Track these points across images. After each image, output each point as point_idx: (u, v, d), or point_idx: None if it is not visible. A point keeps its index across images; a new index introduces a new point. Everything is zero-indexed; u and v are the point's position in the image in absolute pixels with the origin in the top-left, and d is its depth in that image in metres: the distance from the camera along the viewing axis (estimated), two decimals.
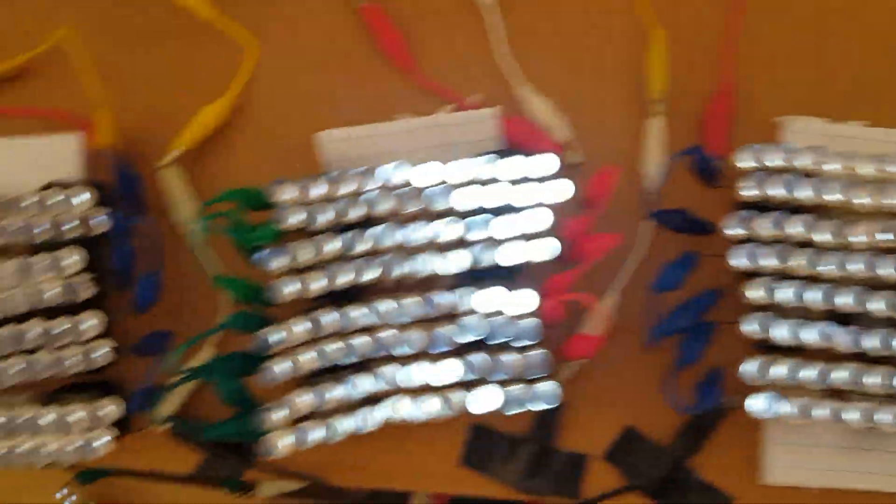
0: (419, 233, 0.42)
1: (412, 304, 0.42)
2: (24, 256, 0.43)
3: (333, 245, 0.42)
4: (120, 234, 0.43)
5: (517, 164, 0.43)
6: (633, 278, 0.45)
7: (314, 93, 0.51)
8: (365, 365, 0.42)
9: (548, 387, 0.40)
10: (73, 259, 0.42)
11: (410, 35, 0.50)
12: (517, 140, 0.47)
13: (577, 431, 0.44)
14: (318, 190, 0.43)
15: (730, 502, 0.43)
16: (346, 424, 0.41)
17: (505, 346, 0.42)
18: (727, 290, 0.43)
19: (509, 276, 0.43)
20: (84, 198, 0.43)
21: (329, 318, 0.42)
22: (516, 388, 0.40)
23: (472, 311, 0.42)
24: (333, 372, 0.43)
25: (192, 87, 0.50)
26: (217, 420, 0.42)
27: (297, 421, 0.41)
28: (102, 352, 0.42)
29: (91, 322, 0.42)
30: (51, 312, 0.42)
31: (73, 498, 0.50)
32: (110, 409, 0.42)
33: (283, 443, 0.40)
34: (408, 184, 0.43)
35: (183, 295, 0.46)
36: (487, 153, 0.45)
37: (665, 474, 0.43)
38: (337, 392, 0.41)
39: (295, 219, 0.43)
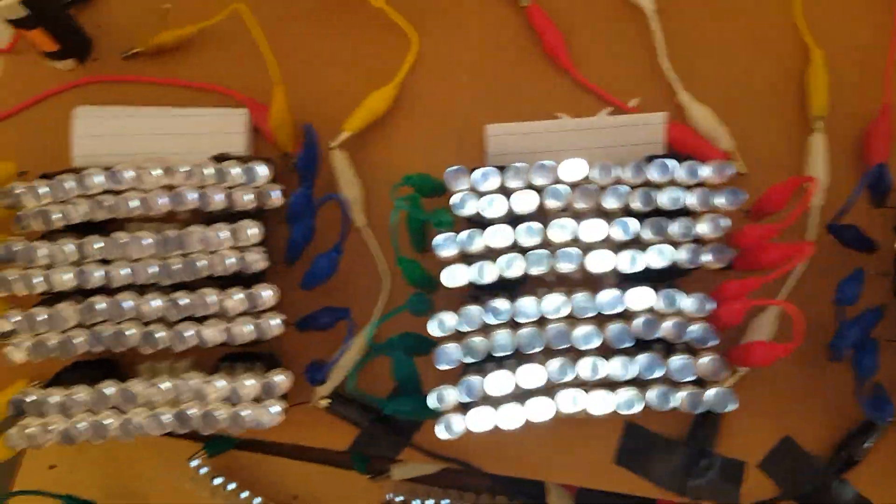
0: (592, 230, 0.43)
1: (582, 300, 0.42)
2: (203, 225, 0.43)
3: (505, 236, 0.43)
4: (302, 210, 0.43)
5: (691, 169, 0.44)
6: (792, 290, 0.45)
7: (473, 86, 0.51)
8: (529, 357, 0.43)
9: (721, 392, 0.40)
10: (253, 231, 0.43)
11: (571, 37, 0.51)
12: (680, 146, 0.47)
13: (735, 438, 0.44)
14: (492, 181, 0.44)
15: None
16: (517, 413, 0.41)
17: (672, 349, 0.42)
18: (888, 307, 0.43)
19: (676, 279, 0.44)
20: (263, 172, 0.44)
21: (501, 306, 0.42)
22: (688, 391, 0.41)
23: (641, 312, 0.42)
24: (496, 361, 0.43)
25: (356, 72, 0.51)
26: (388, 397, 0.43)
27: (466, 406, 0.41)
28: (275, 323, 0.43)
29: (266, 294, 0.43)
30: (214, 282, 0.43)
31: (206, 469, 0.50)
32: (281, 379, 0.42)
33: (459, 424, 0.41)
34: (582, 181, 0.44)
35: (344, 275, 0.47)
36: (652, 157, 0.45)
37: (819, 486, 0.43)
38: (507, 380, 0.41)
39: (471, 208, 0.43)
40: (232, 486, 0.50)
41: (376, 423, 0.45)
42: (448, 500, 0.51)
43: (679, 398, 0.41)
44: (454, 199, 0.43)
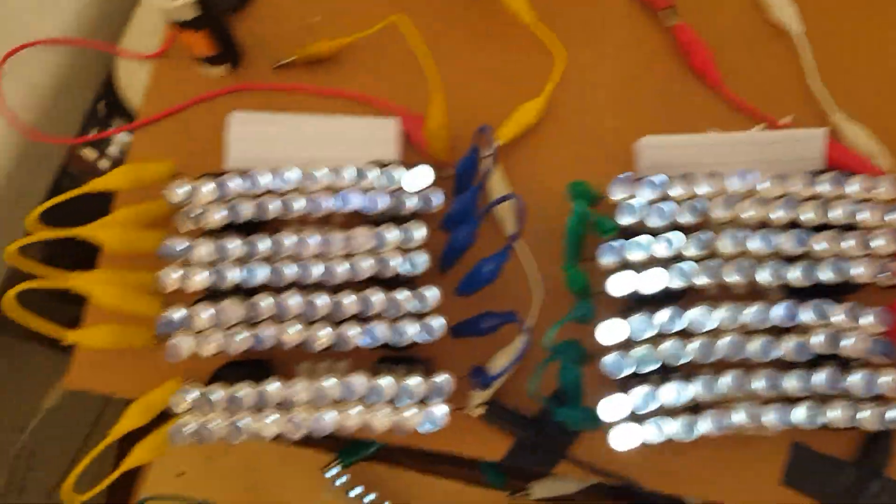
0: (762, 241, 0.42)
1: (757, 312, 0.41)
2: (370, 226, 0.44)
3: (670, 245, 0.42)
4: (467, 213, 0.43)
5: (859, 185, 0.43)
6: None
7: (619, 101, 0.52)
8: (698, 369, 0.42)
9: None
10: (420, 233, 0.43)
11: (717, 57, 0.51)
12: (838, 163, 0.47)
13: None
14: (651, 192, 0.44)
15: None
16: (692, 425, 0.40)
17: (847, 366, 0.41)
18: None
19: (844, 295, 0.43)
20: (427, 176, 0.44)
21: (665, 318, 0.41)
22: (871, 407, 0.40)
23: (817, 326, 0.41)
24: (660, 374, 0.42)
25: (505, 84, 0.52)
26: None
27: (637, 418, 0.41)
28: (439, 325, 0.42)
29: (432, 294, 0.42)
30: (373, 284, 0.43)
31: (344, 479, 0.50)
32: (447, 379, 0.41)
33: (635, 434, 0.40)
34: (748, 193, 0.44)
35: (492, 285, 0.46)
36: (819, 171, 0.45)
37: None
38: (682, 391, 0.40)
39: (632, 218, 0.43)
40: (371, 498, 0.49)
41: (533, 435, 0.44)
42: None
43: (865, 414, 0.39)
44: (622, 205, 0.43)
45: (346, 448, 0.52)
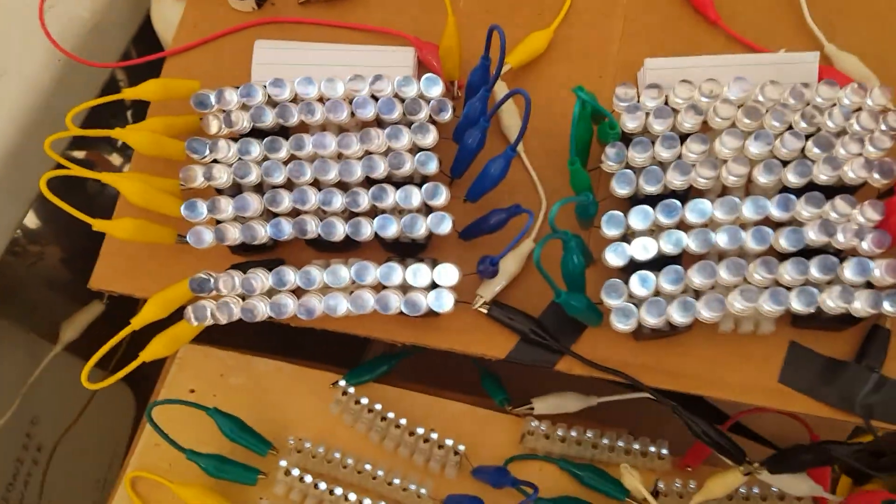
0: (758, 144, 0.44)
1: (753, 204, 0.43)
2: (384, 127, 0.46)
3: (669, 147, 0.44)
4: (477, 116, 0.46)
5: (851, 91, 0.45)
6: None
7: (625, 33, 0.54)
8: (699, 258, 0.43)
9: None
10: (431, 137, 0.46)
11: None
12: None
13: None
14: (653, 99, 0.46)
15: None
16: (698, 307, 0.41)
17: (840, 258, 0.42)
18: None
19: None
20: (437, 89, 0.47)
21: (665, 211, 0.43)
22: (866, 292, 0.41)
23: (811, 218, 0.42)
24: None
25: (515, 14, 0.55)
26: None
27: (637, 304, 0.42)
28: (446, 222, 0.44)
29: (442, 192, 0.44)
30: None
31: (352, 391, 0.51)
32: (453, 268, 0.43)
33: (633, 315, 0.41)
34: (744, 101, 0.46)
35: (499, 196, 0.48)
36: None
37: None
38: (680, 276, 0.42)
39: (638, 120, 0.45)
40: (378, 407, 0.50)
41: (536, 329, 0.45)
42: (591, 434, 0.51)
43: (860, 297, 0.41)
44: (625, 109, 0.45)
45: (353, 370, 0.53)
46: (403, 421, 0.50)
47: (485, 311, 0.46)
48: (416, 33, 0.54)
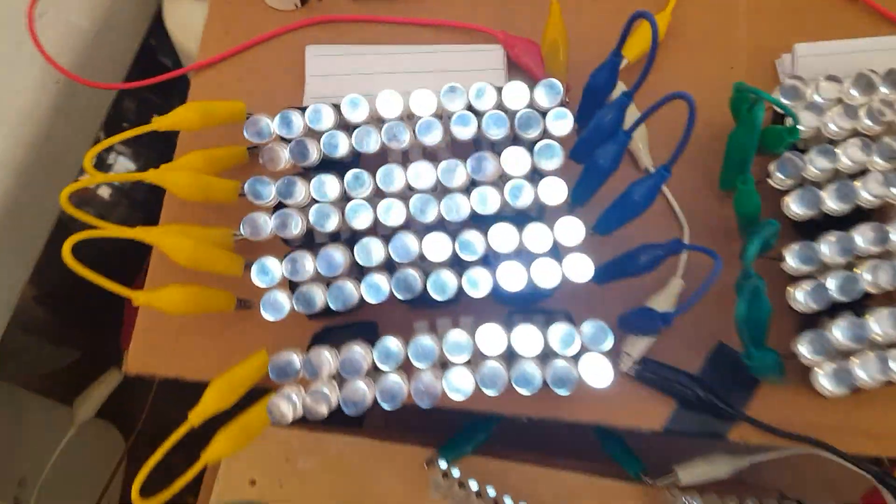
0: None
1: None
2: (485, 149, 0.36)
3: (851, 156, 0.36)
4: (607, 135, 0.36)
5: None
6: None
7: (748, 10, 0.45)
8: None
9: None
10: (557, 159, 0.36)
11: None
12: None
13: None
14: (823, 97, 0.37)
15: None
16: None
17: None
18: None
19: None
20: (556, 96, 0.37)
21: (863, 239, 0.34)
22: None
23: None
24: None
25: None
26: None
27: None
28: (585, 267, 0.35)
29: (576, 227, 0.35)
30: None
31: (457, 473, 0.41)
32: (602, 326, 0.34)
33: (829, 383, 0.32)
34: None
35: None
36: None
37: None
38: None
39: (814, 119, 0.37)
40: (492, 493, 0.41)
41: (700, 391, 0.36)
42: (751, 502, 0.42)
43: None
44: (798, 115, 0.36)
45: (446, 444, 0.44)
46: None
47: (632, 373, 0.37)
48: (501, 27, 0.44)
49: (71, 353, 0.61)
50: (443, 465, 0.42)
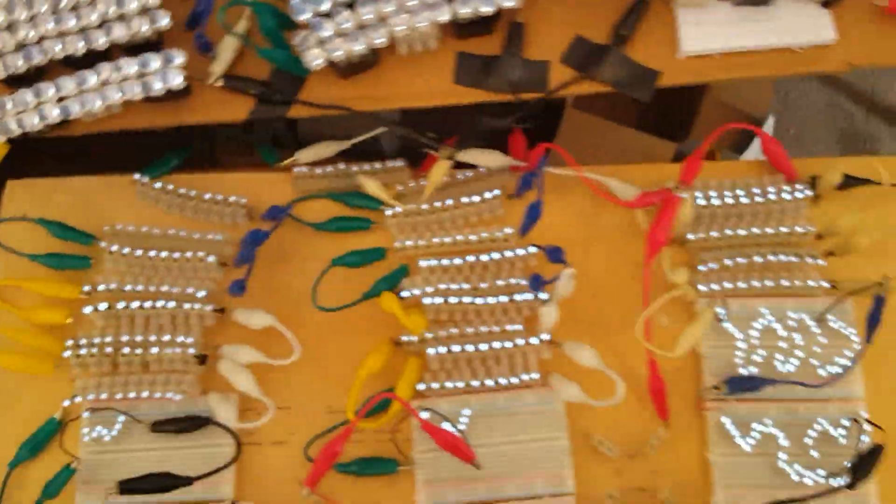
0: None
1: None
2: None
3: None
4: None
5: None
6: None
7: None
8: None
9: None
10: None
11: None
12: None
13: (538, 46, 0.58)
14: None
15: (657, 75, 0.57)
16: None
17: None
18: None
19: None
20: None
21: None
22: None
23: None
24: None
25: None
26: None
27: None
28: (164, 19, 0.55)
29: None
30: None
31: (159, 184, 0.62)
32: (178, 51, 0.54)
33: (317, 58, 0.54)
34: None
35: None
36: None
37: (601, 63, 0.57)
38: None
39: None
40: (182, 191, 0.61)
41: (265, 92, 0.57)
42: (344, 166, 0.63)
43: None
44: None
45: (151, 165, 0.64)
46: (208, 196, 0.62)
47: (221, 83, 0.58)
48: None
49: None
50: (138, 177, 0.63)
